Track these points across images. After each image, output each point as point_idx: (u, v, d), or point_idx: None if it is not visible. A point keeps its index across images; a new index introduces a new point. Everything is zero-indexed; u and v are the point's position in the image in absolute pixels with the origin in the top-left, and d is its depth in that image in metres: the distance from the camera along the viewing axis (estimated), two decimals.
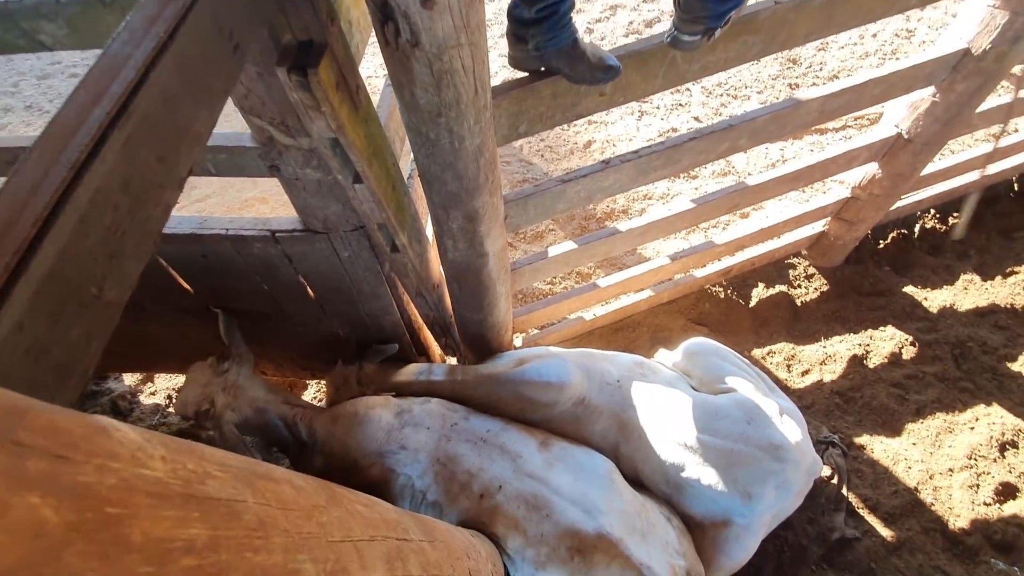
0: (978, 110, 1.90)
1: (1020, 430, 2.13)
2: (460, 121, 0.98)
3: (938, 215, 2.78)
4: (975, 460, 2.10)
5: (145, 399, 2.52)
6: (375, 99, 1.30)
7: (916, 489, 2.07)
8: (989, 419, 2.18)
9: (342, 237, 1.39)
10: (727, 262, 2.48)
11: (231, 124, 1.85)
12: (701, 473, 1.50)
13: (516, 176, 3.16)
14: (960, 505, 2.01)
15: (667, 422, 1.57)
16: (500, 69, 3.52)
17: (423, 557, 0.46)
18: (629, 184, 1.50)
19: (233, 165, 1.20)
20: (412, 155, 1.19)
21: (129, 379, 2.59)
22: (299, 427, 1.63)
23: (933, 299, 2.53)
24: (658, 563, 1.34)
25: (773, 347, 2.46)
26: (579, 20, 3.98)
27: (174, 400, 1.67)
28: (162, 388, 2.52)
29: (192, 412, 1.59)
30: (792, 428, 1.55)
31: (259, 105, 1.03)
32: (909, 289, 2.59)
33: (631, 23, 3.94)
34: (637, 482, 1.62)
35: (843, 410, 2.28)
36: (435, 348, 2.18)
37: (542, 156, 3.21)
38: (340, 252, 1.44)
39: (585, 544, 1.32)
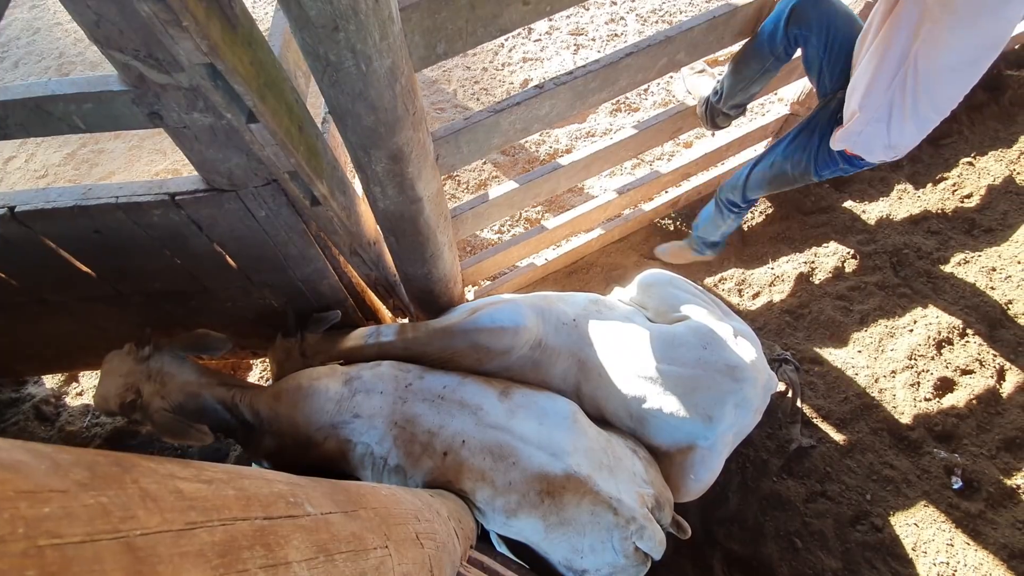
0: None
1: (954, 327, 2.25)
2: (363, 36, 0.84)
3: None
4: (915, 360, 2.21)
5: (72, 400, 2.31)
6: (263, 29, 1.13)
7: (863, 393, 2.16)
8: (926, 320, 2.29)
9: (254, 194, 1.23)
10: (674, 193, 2.44)
11: None
12: (662, 403, 1.50)
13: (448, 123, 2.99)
14: (903, 403, 2.13)
15: (626, 356, 1.54)
16: None
17: (322, 534, 0.38)
18: (567, 110, 1.39)
19: (105, 116, 1.01)
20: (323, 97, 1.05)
21: (51, 381, 2.37)
22: (240, 409, 1.51)
23: (871, 211, 2.60)
24: (627, 495, 1.34)
25: (724, 273, 2.48)
26: None
27: (95, 403, 1.51)
28: (89, 387, 2.31)
29: (116, 405, 1.44)
30: (747, 348, 1.56)
31: (116, 35, 0.86)
32: (848, 204, 2.64)
33: None
34: (601, 419, 1.60)
35: (793, 327, 2.34)
36: (384, 311, 2.07)
37: (478, 99, 3.04)
38: (255, 212, 1.29)
39: (554, 486, 1.30)
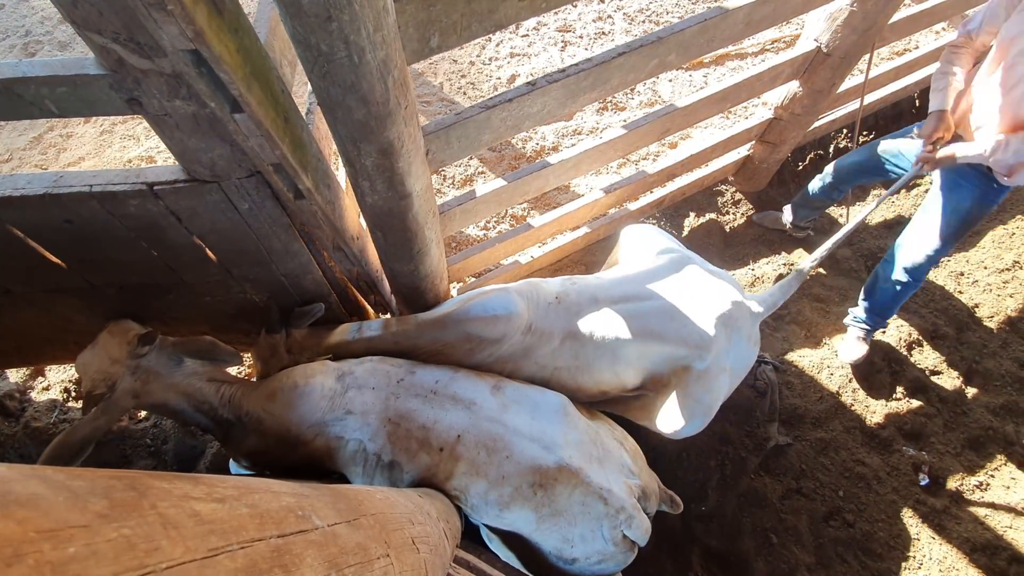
0: (890, 21, 1.93)
1: (924, 329, 2.32)
2: (357, 27, 0.82)
3: (849, 135, 2.88)
4: (887, 360, 2.28)
5: (38, 396, 2.22)
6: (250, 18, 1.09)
7: (838, 393, 2.22)
8: (898, 322, 2.36)
9: (237, 186, 1.19)
10: (659, 193, 2.46)
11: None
12: (655, 334, 1.53)
13: (439, 118, 2.96)
14: (875, 403, 2.19)
15: (611, 310, 1.56)
16: None
17: (331, 548, 0.37)
18: (558, 108, 1.39)
19: (80, 101, 0.97)
20: (309, 86, 1.02)
21: (15, 375, 2.27)
22: (222, 410, 1.48)
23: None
24: (616, 485, 1.36)
25: None
26: None
27: (77, 362, 1.46)
28: (56, 381, 2.22)
29: (86, 386, 1.39)
30: (719, 274, 1.64)
31: (95, 16, 0.82)
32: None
33: None
34: (614, 377, 1.61)
35: (772, 328, 2.39)
36: (370, 306, 2.04)
37: (464, 94, 3.01)
38: (238, 204, 1.25)
39: (547, 478, 1.31)
